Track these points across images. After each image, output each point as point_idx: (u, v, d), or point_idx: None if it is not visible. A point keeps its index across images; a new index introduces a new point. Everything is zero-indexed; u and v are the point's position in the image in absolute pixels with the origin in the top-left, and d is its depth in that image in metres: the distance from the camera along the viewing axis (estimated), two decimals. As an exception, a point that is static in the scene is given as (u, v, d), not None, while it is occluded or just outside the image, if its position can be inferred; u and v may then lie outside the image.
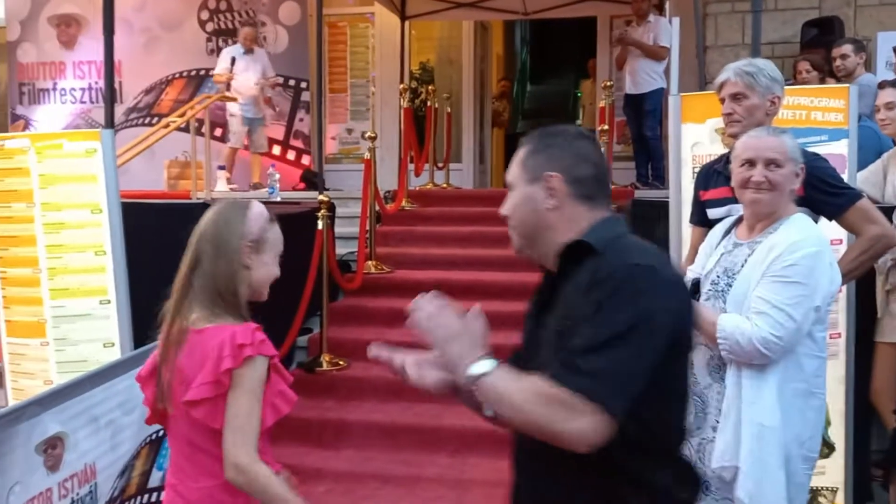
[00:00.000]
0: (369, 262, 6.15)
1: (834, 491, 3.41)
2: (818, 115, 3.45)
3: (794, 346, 2.30)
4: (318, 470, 4.29)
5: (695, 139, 3.69)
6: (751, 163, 2.43)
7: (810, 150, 2.83)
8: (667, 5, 8.19)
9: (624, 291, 1.49)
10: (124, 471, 2.91)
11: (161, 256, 4.50)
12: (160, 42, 9.41)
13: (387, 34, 9.40)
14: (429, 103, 8.57)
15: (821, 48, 6.34)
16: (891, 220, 3.19)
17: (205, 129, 7.60)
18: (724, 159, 2.87)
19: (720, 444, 2.35)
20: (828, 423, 3.21)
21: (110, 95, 4.42)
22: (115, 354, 3.77)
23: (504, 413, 1.51)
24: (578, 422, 1.43)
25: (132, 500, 3.02)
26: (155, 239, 4.57)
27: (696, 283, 2.52)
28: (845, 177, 3.18)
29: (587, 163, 1.64)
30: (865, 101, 4.55)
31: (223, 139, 8.73)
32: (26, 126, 9.47)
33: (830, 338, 3.04)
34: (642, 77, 7.50)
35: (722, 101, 2.89)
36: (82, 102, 9.60)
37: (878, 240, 2.75)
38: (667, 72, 7.38)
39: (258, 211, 2.03)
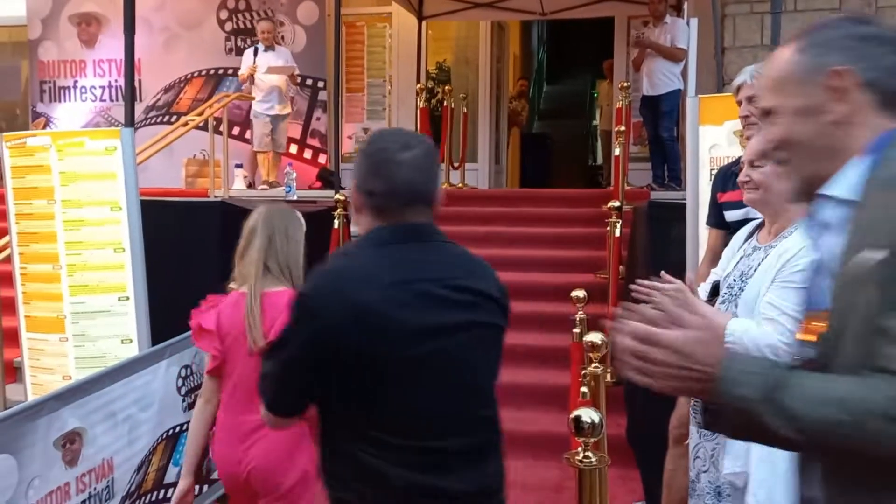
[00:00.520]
0: (384, 262, 6.15)
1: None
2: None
3: (805, 352, 2.29)
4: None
5: (713, 141, 3.68)
6: (750, 164, 2.43)
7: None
8: (685, 6, 8.15)
9: None
10: (141, 466, 2.94)
11: (178, 254, 4.57)
12: (179, 41, 9.47)
13: (404, 34, 9.42)
14: (445, 103, 8.56)
15: (840, 50, 6.29)
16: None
17: (223, 127, 7.66)
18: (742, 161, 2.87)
19: (732, 450, 2.34)
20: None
21: (130, 94, 4.45)
22: (132, 350, 3.81)
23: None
24: None
25: (148, 495, 3.05)
26: (173, 236, 4.62)
27: (716, 286, 2.51)
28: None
29: None
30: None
31: (241, 138, 8.77)
32: (47, 124, 9.55)
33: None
34: (659, 78, 7.47)
35: (739, 103, 2.88)
36: (102, 100, 9.68)
37: None
38: (684, 73, 7.33)
39: (300, 214, 2.79)
